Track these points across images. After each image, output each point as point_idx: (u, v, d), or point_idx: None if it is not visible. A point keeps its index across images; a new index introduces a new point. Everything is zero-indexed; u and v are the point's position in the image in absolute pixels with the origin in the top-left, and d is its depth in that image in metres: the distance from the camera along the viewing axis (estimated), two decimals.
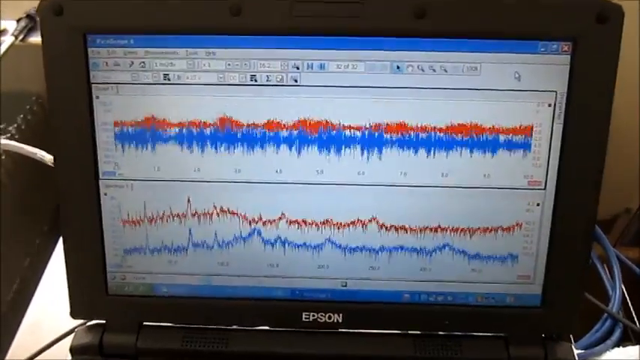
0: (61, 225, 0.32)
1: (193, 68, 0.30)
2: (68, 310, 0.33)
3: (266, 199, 0.31)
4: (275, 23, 0.29)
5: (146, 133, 0.31)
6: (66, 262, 0.32)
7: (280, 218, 0.31)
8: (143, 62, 0.30)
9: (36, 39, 0.69)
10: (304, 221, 0.31)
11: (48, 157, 0.42)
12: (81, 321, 0.34)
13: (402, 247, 0.32)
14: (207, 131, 0.30)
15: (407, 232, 0.31)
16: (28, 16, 0.68)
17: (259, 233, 0.32)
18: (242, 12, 0.29)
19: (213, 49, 0.29)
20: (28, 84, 0.72)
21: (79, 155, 0.31)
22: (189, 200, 0.31)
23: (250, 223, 0.32)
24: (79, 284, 0.33)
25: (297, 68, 0.29)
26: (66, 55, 0.30)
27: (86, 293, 0.33)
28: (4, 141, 0.44)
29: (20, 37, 0.66)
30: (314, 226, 0.31)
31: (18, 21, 0.68)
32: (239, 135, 0.30)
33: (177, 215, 0.32)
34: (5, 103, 0.68)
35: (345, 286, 0.33)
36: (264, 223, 0.32)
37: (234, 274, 0.33)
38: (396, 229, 0.31)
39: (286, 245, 0.32)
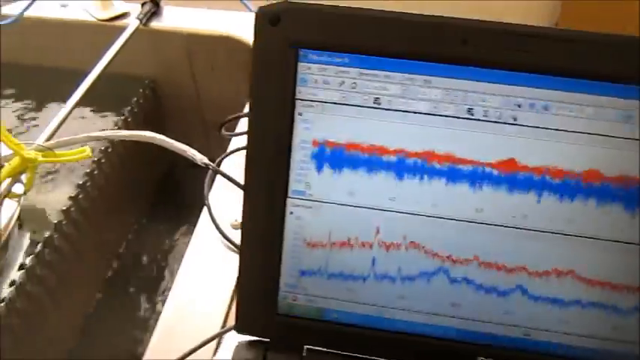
0: (241, 237, 0.31)
1: (407, 95, 0.28)
2: (200, 313, 0.32)
3: (460, 238, 0.30)
4: (503, 57, 0.27)
5: (344, 156, 0.29)
6: (239, 274, 0.32)
7: (472, 259, 0.30)
8: (355, 83, 0.28)
9: (157, 24, 0.69)
10: (497, 265, 0.30)
11: (199, 157, 0.41)
12: (215, 332, 0.34)
13: (597, 304, 0.30)
14: (410, 161, 0.29)
15: (605, 288, 0.29)
16: (153, 1, 0.67)
17: (447, 272, 0.30)
18: (468, 41, 0.27)
19: (432, 77, 0.28)
20: (144, 68, 0.72)
21: (270, 169, 0.30)
22: (378, 230, 0.30)
23: (439, 261, 0.30)
24: (249, 299, 0.32)
25: (519, 106, 0.28)
26: (275, 67, 0.29)
27: (255, 310, 0.32)
28: (150, 134, 0.44)
29: (143, 22, 0.66)
30: (506, 271, 0.30)
31: (143, 5, 0.68)
32: (443, 168, 0.29)
33: (364, 244, 0.30)
34: (122, 85, 0.69)
35: (528, 335, 0.31)
36: (453, 262, 0.30)
37: (411, 309, 0.31)
38: (594, 284, 0.29)
39: (473, 287, 0.30)
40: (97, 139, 0.46)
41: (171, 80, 0.72)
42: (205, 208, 0.46)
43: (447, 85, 0.28)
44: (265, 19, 0.28)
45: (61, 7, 0.70)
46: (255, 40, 0.29)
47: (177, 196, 0.83)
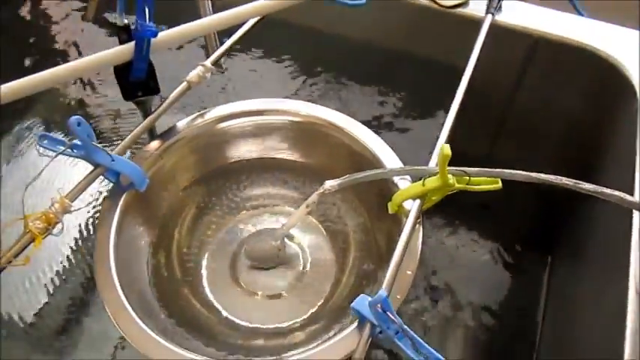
0: None
1: None
2: None
3: None
4: None
5: None
6: None
7: None
8: None
9: (498, 18, 0.62)
10: None
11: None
12: None
13: None
14: None
15: None
16: None
17: None
18: None
19: None
20: (460, 59, 0.67)
21: None
22: None
23: None
24: None
25: None
26: None
27: None
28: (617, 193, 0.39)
29: (495, 15, 0.60)
30: None
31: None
32: None
33: None
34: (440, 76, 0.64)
35: None
36: None
37: None
38: None
39: None
40: (531, 180, 0.42)
41: (487, 79, 0.67)
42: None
43: None
44: None
45: None
46: None
47: None
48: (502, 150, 0.72)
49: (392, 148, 0.53)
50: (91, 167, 0.47)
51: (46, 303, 0.62)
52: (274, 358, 0.43)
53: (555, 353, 0.59)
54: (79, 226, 0.67)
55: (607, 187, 0.49)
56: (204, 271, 0.54)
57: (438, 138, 0.62)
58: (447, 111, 0.64)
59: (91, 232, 0.67)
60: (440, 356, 0.36)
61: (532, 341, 0.66)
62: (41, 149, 0.46)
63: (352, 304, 0.40)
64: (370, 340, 0.39)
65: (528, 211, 0.78)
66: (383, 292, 0.36)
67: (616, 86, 0.58)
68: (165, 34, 0.51)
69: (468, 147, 0.71)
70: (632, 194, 0.49)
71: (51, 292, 0.62)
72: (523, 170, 0.43)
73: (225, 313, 0.52)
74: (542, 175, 0.42)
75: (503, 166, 0.44)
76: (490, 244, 0.78)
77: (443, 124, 0.62)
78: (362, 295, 0.40)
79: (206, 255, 0.55)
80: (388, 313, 0.37)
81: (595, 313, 0.51)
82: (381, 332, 0.39)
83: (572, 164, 0.64)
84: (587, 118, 0.63)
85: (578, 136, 0.65)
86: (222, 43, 0.58)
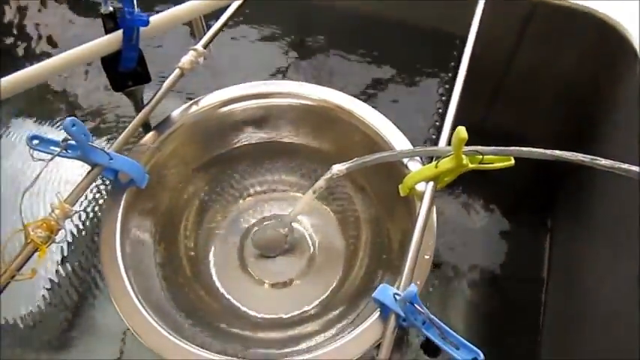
0: None
1: None
2: None
3: None
4: None
5: None
6: None
7: None
8: None
9: None
10: None
11: None
12: None
13: None
14: None
15: None
16: None
17: None
18: None
19: None
20: (456, 26, 0.65)
21: None
22: None
23: None
24: None
25: None
26: None
27: None
28: None
29: None
30: None
31: None
32: None
33: None
34: (433, 43, 0.62)
35: None
36: None
37: None
38: None
39: None
40: (546, 157, 0.41)
41: (485, 45, 0.65)
42: None
43: None
44: None
45: None
46: None
47: None
48: (501, 117, 0.71)
49: (388, 119, 0.51)
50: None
51: (49, 303, 0.60)
52: (299, 348, 0.42)
53: (562, 315, 0.60)
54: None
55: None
56: (212, 262, 0.53)
57: (437, 109, 0.61)
58: (442, 80, 0.62)
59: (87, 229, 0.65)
60: (467, 343, 0.36)
61: (537, 306, 0.67)
62: (35, 153, 0.44)
63: (374, 295, 0.39)
64: (396, 330, 0.38)
65: (526, 174, 0.78)
66: (413, 287, 0.35)
67: (616, 48, 0.57)
68: (153, 20, 0.48)
69: (466, 114, 0.71)
70: (636, 159, 0.49)
71: (54, 290, 0.61)
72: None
73: (236, 304, 0.51)
74: (558, 152, 0.42)
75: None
76: (488, 208, 0.78)
77: (442, 96, 0.61)
78: (383, 285, 0.39)
79: (213, 245, 0.54)
80: (415, 305, 0.37)
81: (603, 277, 0.52)
82: (404, 320, 0.39)
83: (573, 129, 0.64)
84: (587, 81, 0.62)
85: (578, 101, 0.64)
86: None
